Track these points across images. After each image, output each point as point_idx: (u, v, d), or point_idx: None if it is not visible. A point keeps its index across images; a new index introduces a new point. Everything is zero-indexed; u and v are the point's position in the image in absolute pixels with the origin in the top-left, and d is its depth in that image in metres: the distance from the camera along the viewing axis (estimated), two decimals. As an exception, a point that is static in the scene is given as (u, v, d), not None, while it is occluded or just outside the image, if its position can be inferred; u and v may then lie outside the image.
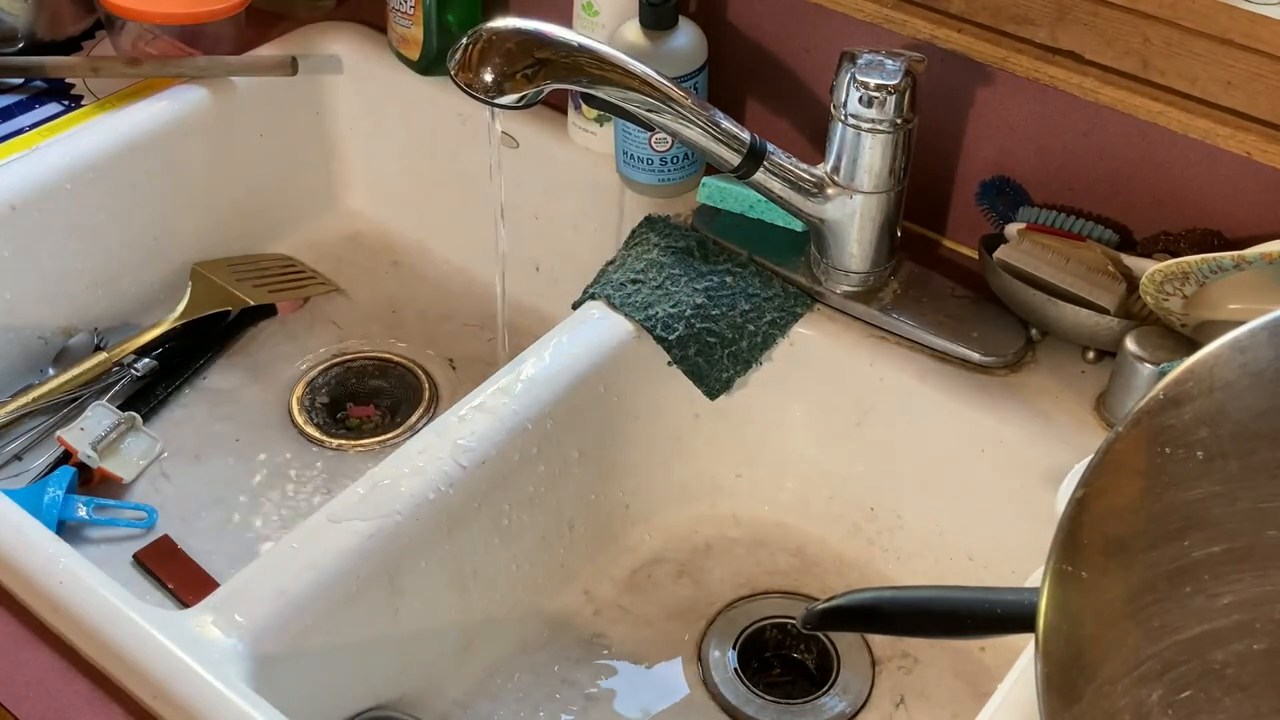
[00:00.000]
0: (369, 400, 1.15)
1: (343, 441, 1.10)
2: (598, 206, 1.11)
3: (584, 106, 1.09)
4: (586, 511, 0.97)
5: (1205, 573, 0.57)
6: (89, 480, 1.02)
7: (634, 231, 1.04)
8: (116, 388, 1.09)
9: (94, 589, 0.78)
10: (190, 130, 1.15)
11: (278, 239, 1.23)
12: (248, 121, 1.19)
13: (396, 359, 1.17)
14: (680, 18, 1.01)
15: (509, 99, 0.82)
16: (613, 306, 0.97)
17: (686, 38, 1.02)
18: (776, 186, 0.92)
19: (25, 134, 1.11)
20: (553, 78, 0.83)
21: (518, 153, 1.11)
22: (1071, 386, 0.92)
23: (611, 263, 1.01)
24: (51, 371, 1.09)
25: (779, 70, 1.05)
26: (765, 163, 0.91)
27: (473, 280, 1.23)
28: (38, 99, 1.16)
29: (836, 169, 0.93)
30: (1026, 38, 0.91)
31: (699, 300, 0.97)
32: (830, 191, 0.93)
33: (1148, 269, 0.84)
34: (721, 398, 0.98)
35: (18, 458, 1.04)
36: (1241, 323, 0.59)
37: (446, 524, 0.86)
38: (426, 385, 1.15)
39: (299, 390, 1.13)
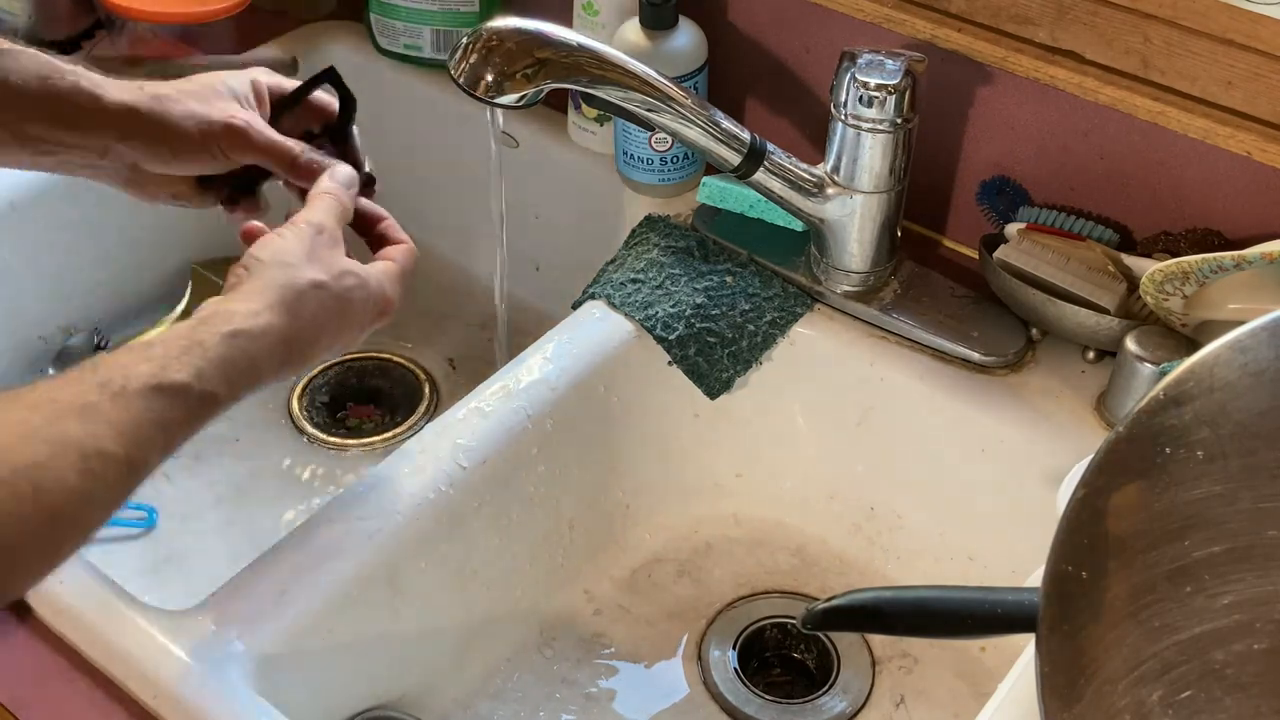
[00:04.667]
0: (369, 400, 1.15)
1: (343, 441, 1.10)
2: (598, 206, 1.11)
3: (584, 106, 1.09)
4: (586, 511, 0.97)
5: (1206, 572, 0.57)
6: (89, 480, 1.02)
7: (634, 231, 1.04)
8: (116, 388, 1.09)
9: (94, 589, 0.78)
10: (190, 130, 1.14)
11: (278, 239, 1.23)
12: (248, 121, 1.19)
13: (396, 359, 1.17)
14: (680, 18, 1.01)
15: (509, 99, 0.82)
16: (613, 306, 0.97)
17: (686, 38, 1.02)
18: (776, 186, 0.92)
19: (25, 134, 1.11)
20: (553, 78, 0.83)
21: (518, 153, 1.11)
22: (1072, 386, 0.92)
23: (611, 262, 1.01)
24: (51, 371, 1.09)
25: (779, 70, 1.05)
26: (765, 162, 0.91)
27: (473, 280, 1.23)
28: (38, 99, 1.15)
29: (836, 169, 0.93)
30: (1026, 38, 0.91)
31: (699, 300, 0.96)
32: (830, 191, 0.93)
33: (1148, 269, 0.84)
34: (721, 397, 0.98)
35: (18, 458, 1.04)
36: (1241, 323, 0.59)
37: (446, 524, 0.86)
38: (426, 385, 1.15)
39: (299, 390, 1.13)
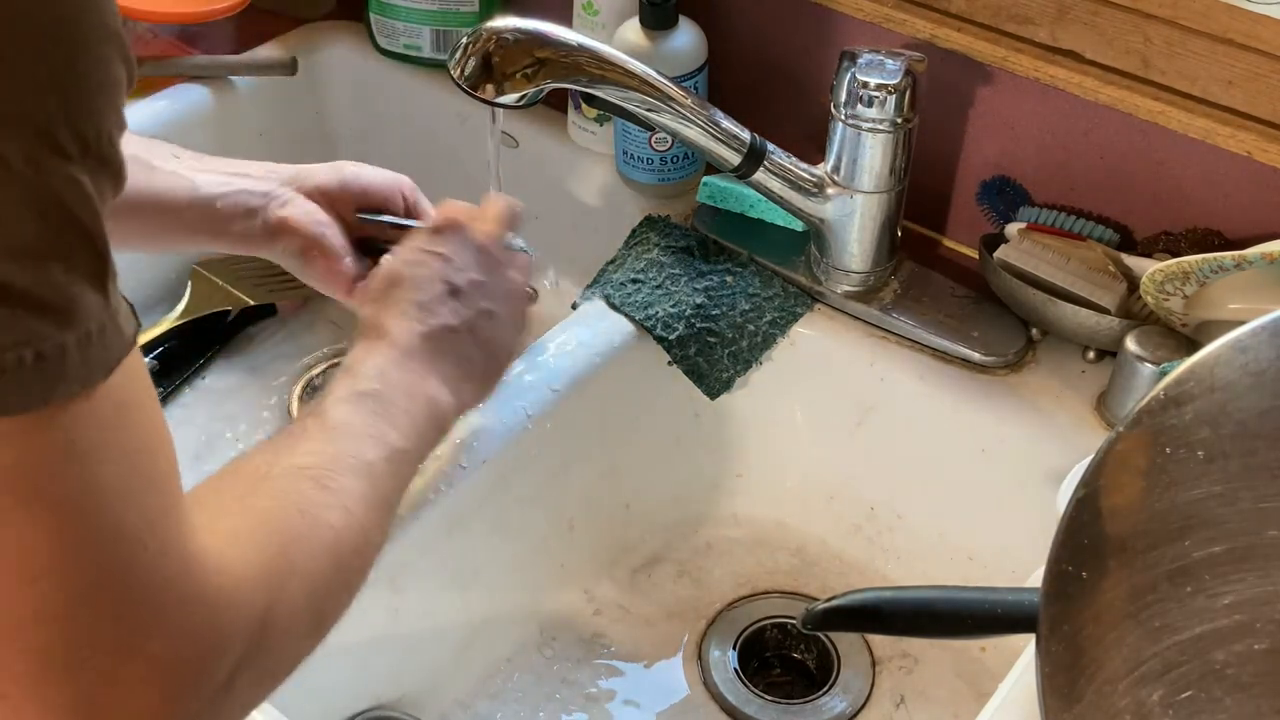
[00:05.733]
0: (369, 400, 1.14)
1: (343, 441, 1.10)
2: (598, 206, 1.11)
3: (584, 106, 1.09)
4: (586, 511, 0.97)
5: (1206, 572, 0.58)
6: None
7: (634, 231, 1.04)
8: (116, 388, 1.09)
9: (94, 589, 0.78)
10: (190, 130, 1.14)
11: (278, 239, 1.23)
12: (248, 121, 1.19)
13: (396, 359, 1.17)
14: (680, 17, 1.01)
15: (509, 99, 0.82)
16: (613, 306, 0.96)
17: (686, 37, 1.01)
18: (776, 186, 0.92)
19: (25, 134, 1.11)
20: (553, 77, 0.83)
21: (518, 153, 1.11)
22: (1072, 386, 0.92)
23: (611, 262, 1.01)
24: (51, 371, 1.09)
25: (779, 70, 1.05)
26: (765, 162, 0.91)
27: (473, 280, 1.22)
28: (37, 99, 1.15)
29: (836, 169, 0.93)
30: (1027, 37, 0.91)
31: (699, 300, 0.96)
32: (830, 191, 0.93)
33: (1148, 269, 0.84)
34: (722, 397, 0.98)
35: (18, 458, 1.03)
36: (1242, 322, 0.59)
37: (446, 524, 0.86)
38: (426, 385, 1.14)
39: (299, 390, 1.13)
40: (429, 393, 0.72)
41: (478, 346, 0.77)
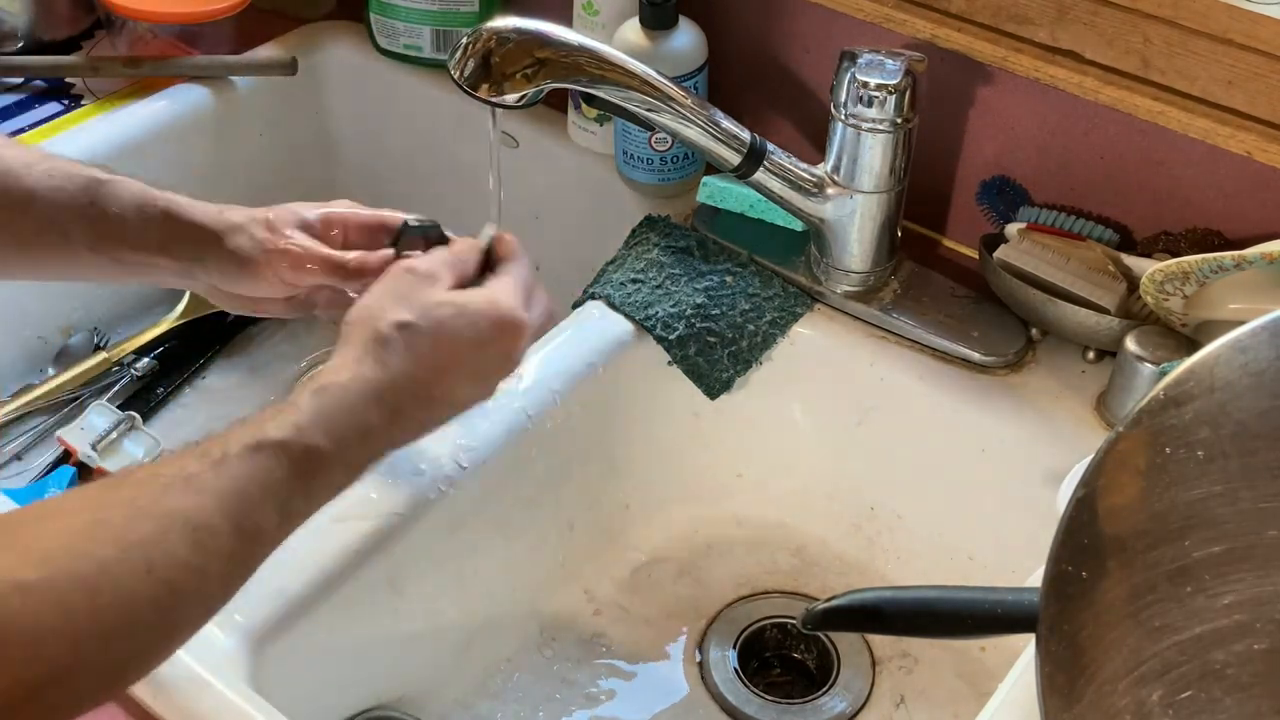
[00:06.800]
0: (369, 400, 1.14)
1: (343, 441, 1.09)
2: (598, 206, 1.11)
3: (584, 106, 1.09)
4: (586, 511, 0.97)
5: (1206, 572, 0.58)
6: (89, 480, 1.02)
7: (634, 231, 1.04)
8: (116, 387, 1.09)
9: (94, 589, 0.78)
10: (190, 130, 1.15)
11: (278, 239, 1.23)
12: (248, 121, 1.19)
13: (396, 359, 1.16)
14: (680, 18, 1.01)
15: (509, 99, 0.82)
16: (613, 306, 0.96)
17: (686, 37, 1.02)
18: (776, 186, 0.92)
19: (25, 133, 1.11)
20: (553, 77, 0.83)
21: (518, 153, 1.11)
22: (1072, 386, 0.92)
23: (611, 262, 1.01)
24: (51, 371, 1.09)
25: (779, 70, 1.05)
26: (765, 162, 0.91)
27: (473, 280, 1.22)
28: (38, 99, 1.15)
29: (836, 169, 0.93)
30: (1026, 37, 0.91)
31: (699, 300, 0.96)
32: (830, 191, 0.93)
33: (1148, 269, 0.84)
34: (721, 397, 0.98)
35: (18, 457, 1.04)
36: (1242, 323, 0.59)
37: (446, 524, 0.86)
38: (426, 385, 1.14)
39: (299, 390, 1.13)
40: (331, 457, 0.67)
41: (440, 411, 0.74)
